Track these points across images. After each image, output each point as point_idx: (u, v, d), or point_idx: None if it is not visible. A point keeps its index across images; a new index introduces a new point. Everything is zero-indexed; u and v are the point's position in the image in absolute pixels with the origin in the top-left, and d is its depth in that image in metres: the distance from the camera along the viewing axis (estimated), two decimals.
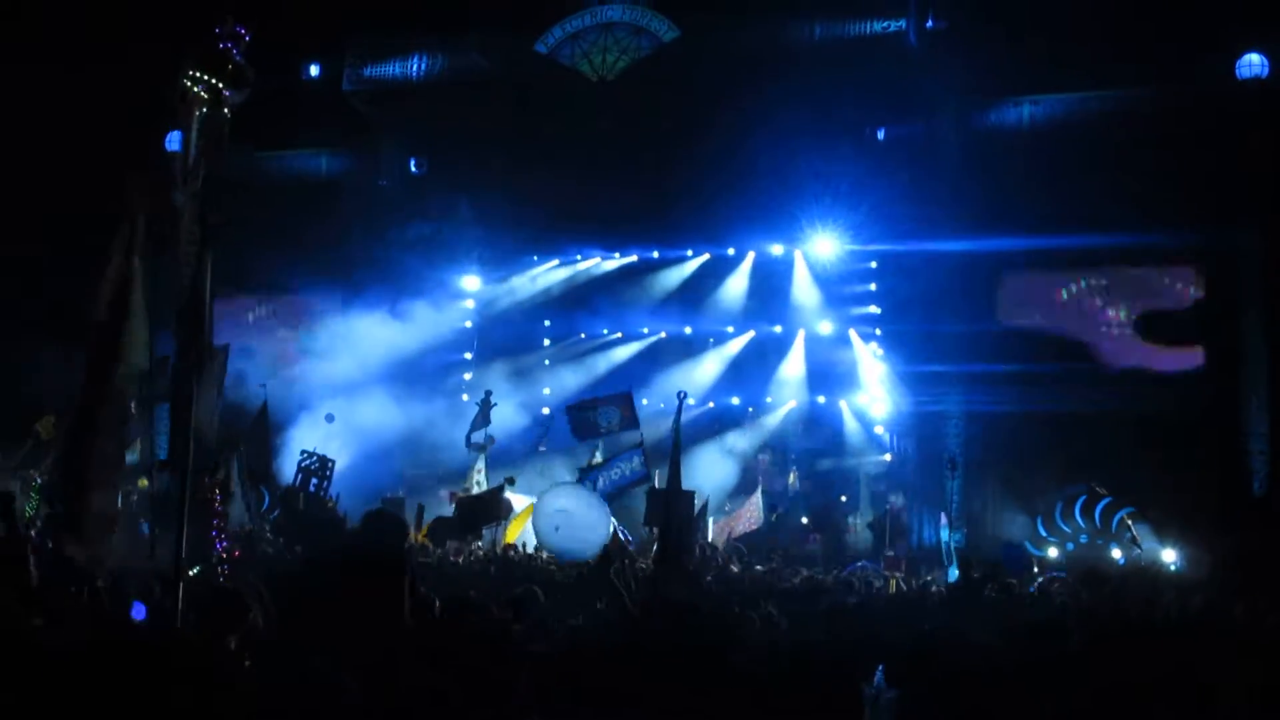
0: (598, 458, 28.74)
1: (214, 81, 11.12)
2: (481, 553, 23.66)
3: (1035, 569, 23.70)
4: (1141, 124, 26.66)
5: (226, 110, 11.51)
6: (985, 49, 27.14)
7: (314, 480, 25.42)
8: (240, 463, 21.23)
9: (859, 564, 24.09)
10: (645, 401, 31.14)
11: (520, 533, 26.34)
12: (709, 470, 29.39)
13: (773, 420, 31.62)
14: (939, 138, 28.96)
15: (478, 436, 29.01)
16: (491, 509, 26.29)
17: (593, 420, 28.46)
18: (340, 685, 5.78)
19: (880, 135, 28.94)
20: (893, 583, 19.70)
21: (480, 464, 29.00)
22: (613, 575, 11.61)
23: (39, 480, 25.41)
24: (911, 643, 7.37)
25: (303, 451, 25.17)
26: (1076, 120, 27.96)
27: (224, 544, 14.95)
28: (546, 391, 32.83)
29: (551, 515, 23.32)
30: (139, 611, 10.40)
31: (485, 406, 29.24)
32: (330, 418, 28.86)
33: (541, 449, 30.84)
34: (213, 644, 7.00)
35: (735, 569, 21.91)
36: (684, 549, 19.74)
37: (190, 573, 11.33)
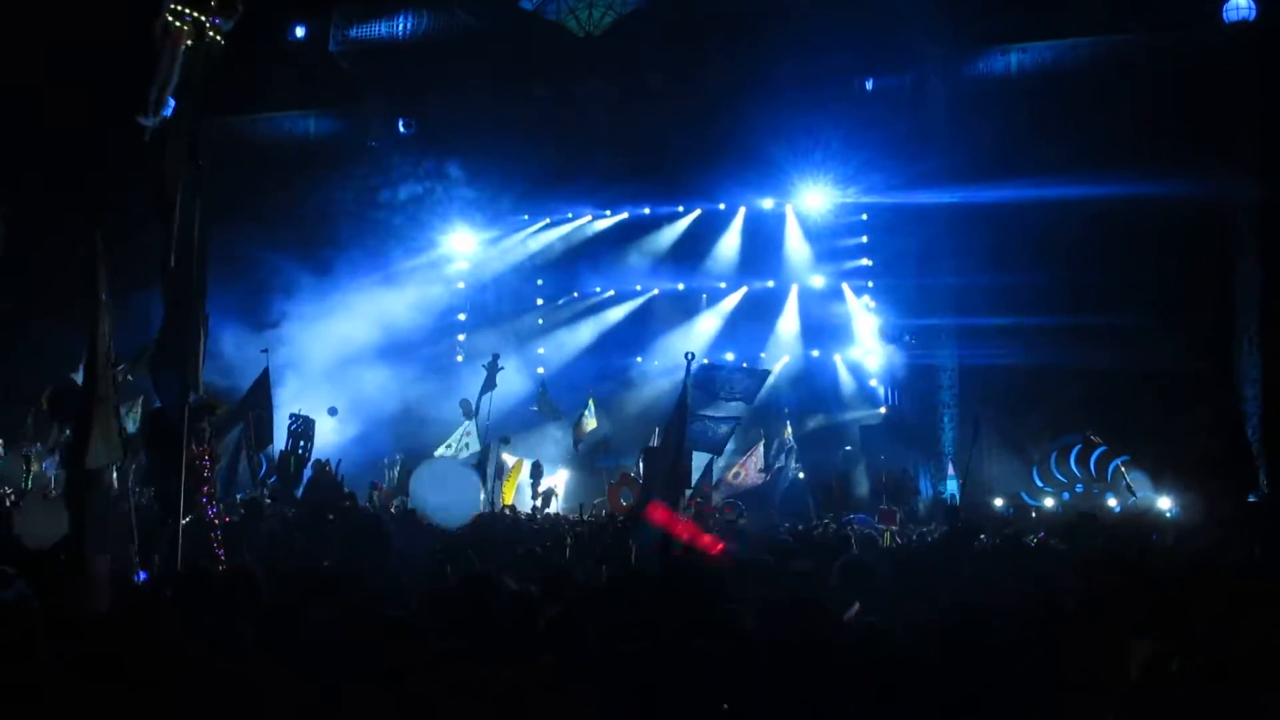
0: (590, 420, 28.85)
1: (199, 13, 11.04)
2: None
3: (1035, 516, 23.75)
4: (1129, 70, 26.58)
5: (219, 38, 11.43)
6: None
7: (302, 443, 25.39)
8: (246, 429, 21.24)
9: (858, 515, 24.13)
10: (640, 359, 31.16)
11: (514, 493, 26.47)
12: None
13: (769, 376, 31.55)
14: (928, 88, 28.84)
15: (484, 401, 28.98)
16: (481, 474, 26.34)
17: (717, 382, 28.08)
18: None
19: (869, 86, 28.80)
20: (887, 535, 19.64)
21: (470, 426, 29.00)
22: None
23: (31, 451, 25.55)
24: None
25: (291, 415, 25.08)
26: (1064, 67, 27.86)
27: (214, 509, 14.88)
28: (541, 351, 32.77)
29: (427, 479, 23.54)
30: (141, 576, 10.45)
31: (492, 370, 29.16)
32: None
33: (534, 409, 30.74)
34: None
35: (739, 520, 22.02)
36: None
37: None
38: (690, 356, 23.87)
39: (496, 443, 26.75)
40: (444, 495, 23.15)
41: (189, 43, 12.00)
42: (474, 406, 28.71)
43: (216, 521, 13.98)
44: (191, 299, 11.49)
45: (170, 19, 11.83)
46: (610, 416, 30.48)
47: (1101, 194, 26.13)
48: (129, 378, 22.88)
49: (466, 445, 28.47)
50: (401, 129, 32.63)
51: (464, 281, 33.12)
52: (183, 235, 11.28)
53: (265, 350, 23.92)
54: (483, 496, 25.63)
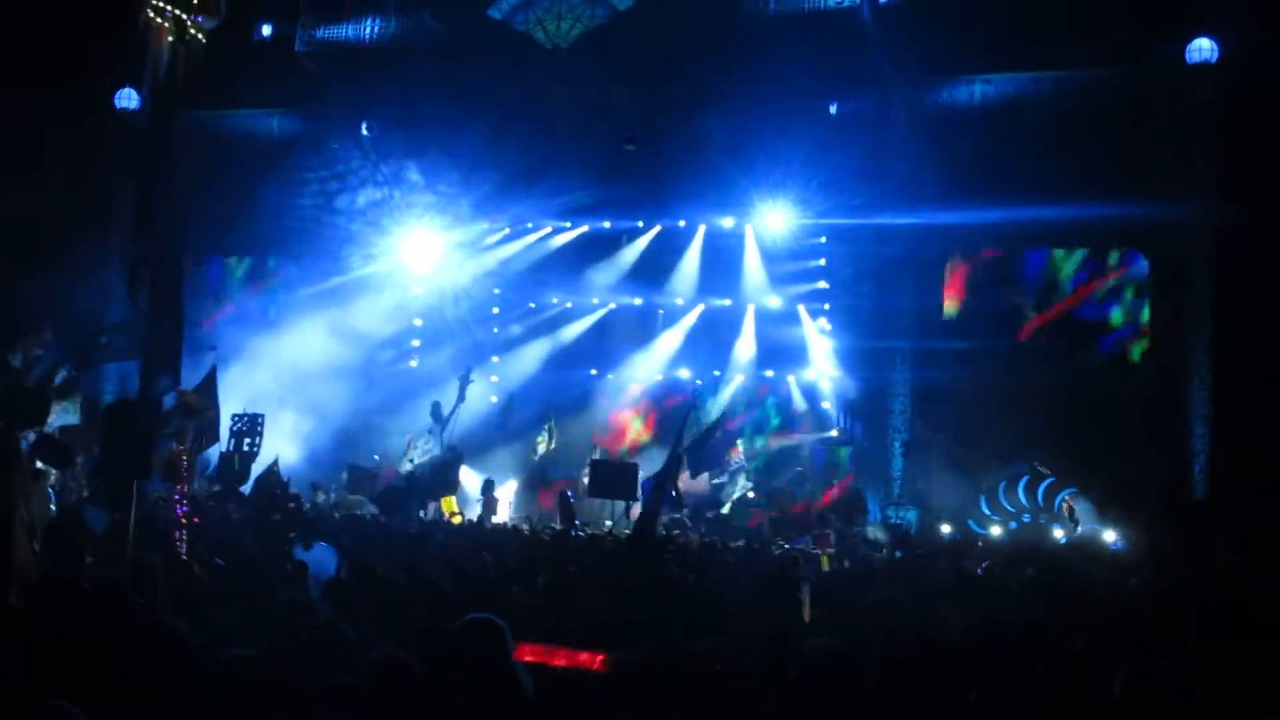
0: (544, 443, 29.03)
1: (181, 10, 11.02)
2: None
3: (980, 545, 23.82)
4: (1092, 105, 26.86)
5: (199, 35, 11.42)
6: (938, 27, 27.13)
7: (246, 440, 25.20)
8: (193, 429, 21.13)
9: (798, 539, 24.20)
10: (595, 372, 31.17)
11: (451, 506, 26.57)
12: None
13: (724, 395, 31.55)
14: (891, 114, 28.94)
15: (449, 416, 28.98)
16: (442, 482, 26.40)
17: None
18: None
19: (833, 110, 28.85)
20: (824, 559, 19.62)
21: (423, 439, 29.03)
22: None
23: None
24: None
25: (233, 415, 24.91)
26: (1028, 100, 28.06)
27: (184, 509, 14.78)
28: (495, 360, 32.67)
29: None
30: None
31: (464, 383, 29.12)
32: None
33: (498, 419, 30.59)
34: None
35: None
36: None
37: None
38: (694, 386, 24.56)
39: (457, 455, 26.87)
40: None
41: (169, 38, 11.99)
42: (444, 415, 28.71)
43: (184, 521, 13.88)
44: (170, 287, 11.44)
45: (151, 15, 11.82)
46: (564, 430, 30.48)
47: (1058, 219, 26.35)
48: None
49: (426, 453, 28.51)
50: (364, 131, 32.51)
51: (420, 287, 32.93)
52: (159, 221, 11.25)
53: (214, 348, 23.80)
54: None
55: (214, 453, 23.76)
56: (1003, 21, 26.65)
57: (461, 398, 28.79)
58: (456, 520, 25.35)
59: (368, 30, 31.14)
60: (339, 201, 31.98)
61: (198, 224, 30.63)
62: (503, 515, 28.13)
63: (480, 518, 26.69)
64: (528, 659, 7.57)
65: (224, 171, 31.32)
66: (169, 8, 11.46)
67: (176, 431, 16.81)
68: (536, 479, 30.63)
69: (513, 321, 33.31)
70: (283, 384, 28.97)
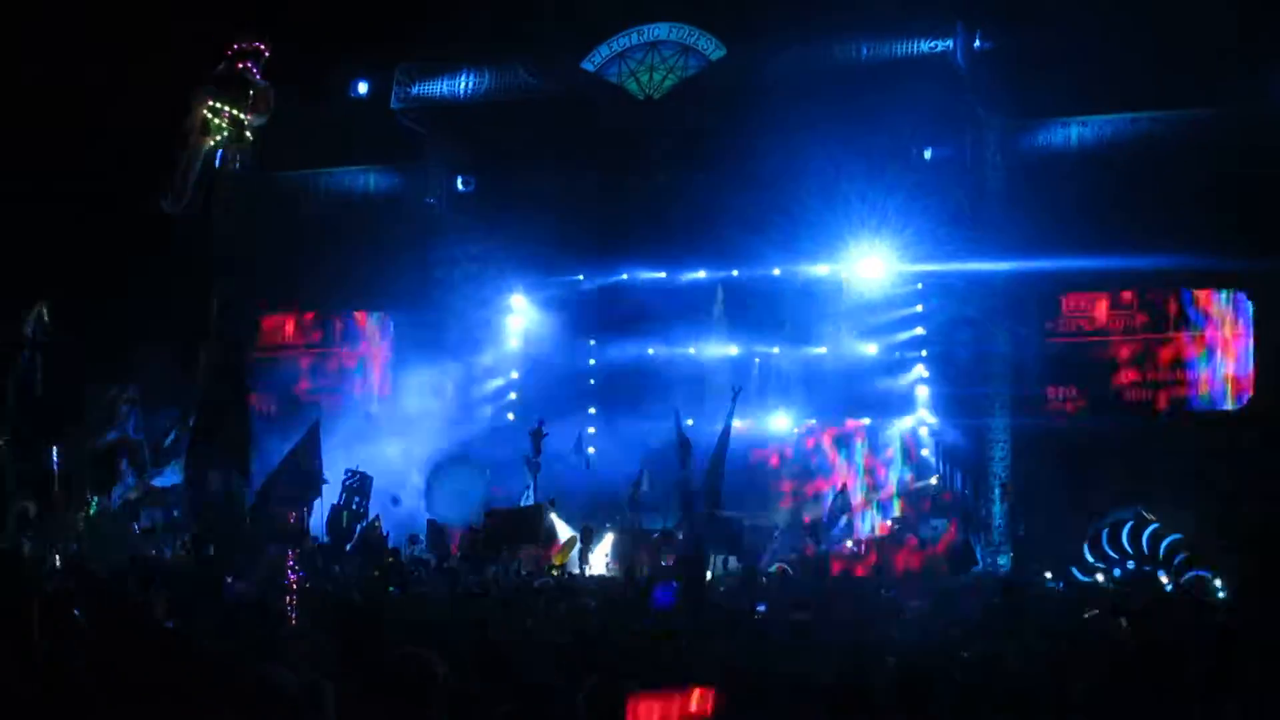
0: (644, 485, 28.93)
1: (234, 110, 11.23)
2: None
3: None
4: (1191, 145, 26.47)
5: (249, 135, 11.63)
6: (1032, 70, 26.98)
7: (357, 499, 25.54)
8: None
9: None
10: (691, 422, 31.09)
11: (565, 562, 26.58)
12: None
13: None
14: (986, 159, 28.79)
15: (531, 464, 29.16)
16: (525, 528, 26.43)
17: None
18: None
19: (927, 156, 28.76)
20: None
21: (529, 482, 29.22)
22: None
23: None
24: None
25: (346, 470, 25.25)
26: (1125, 141, 27.77)
27: (300, 574, 15.15)
28: (592, 411, 32.71)
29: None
30: None
31: (538, 436, 29.27)
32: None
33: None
34: None
35: None
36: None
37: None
38: (737, 389, 24.58)
39: (546, 504, 26.93)
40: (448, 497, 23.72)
41: (222, 136, 12.24)
42: (532, 468, 28.90)
43: (295, 585, 14.19)
44: (236, 391, 11.70)
45: (207, 114, 12.05)
46: (657, 479, 30.39)
47: (1160, 267, 26.06)
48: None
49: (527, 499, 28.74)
50: (460, 186, 32.81)
51: (517, 340, 33.18)
52: (224, 322, 11.51)
53: (316, 402, 24.14)
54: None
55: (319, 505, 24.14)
56: (1098, 62, 26.43)
57: (537, 449, 28.94)
58: (554, 570, 25.35)
59: (462, 86, 31.37)
60: (435, 257, 32.30)
61: (293, 281, 31.24)
62: (599, 566, 28.12)
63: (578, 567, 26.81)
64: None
65: (320, 230, 31.86)
66: (223, 107, 11.69)
67: (285, 496, 17.15)
68: (631, 529, 30.61)
69: (608, 373, 33.28)
70: (381, 436, 29.33)
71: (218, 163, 11.47)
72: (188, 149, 11.54)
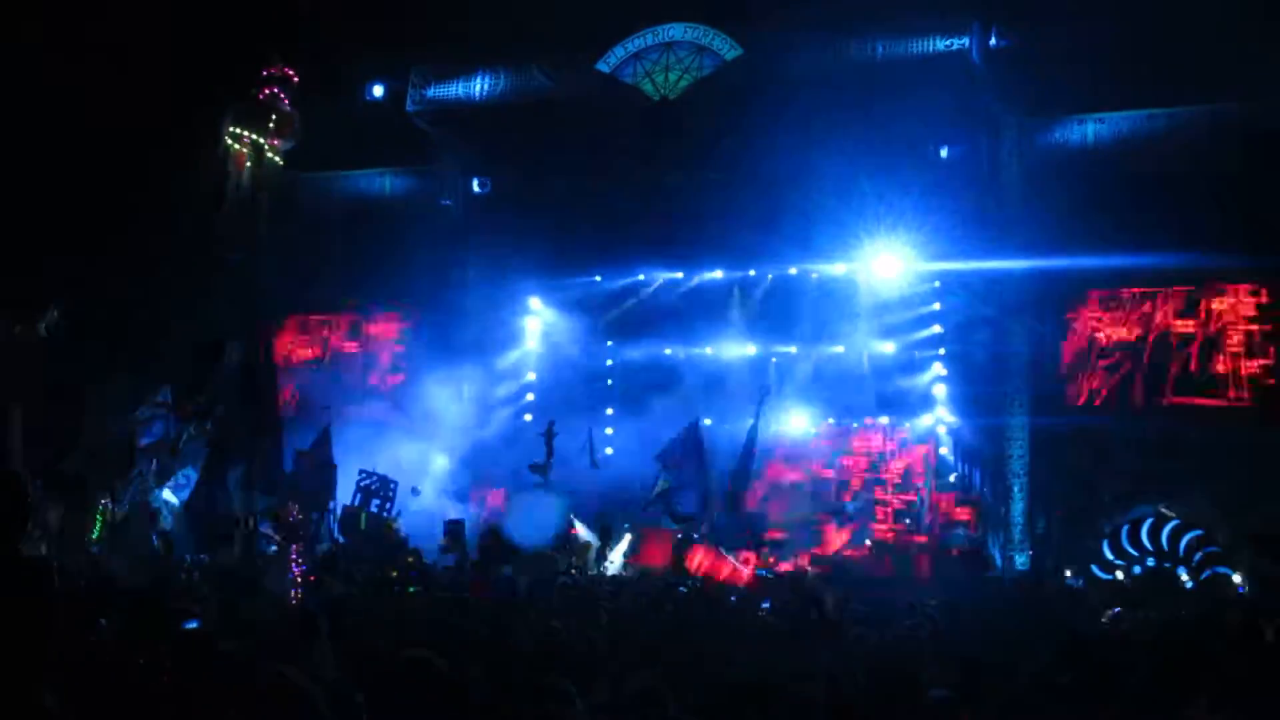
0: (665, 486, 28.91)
1: (260, 137, 11.25)
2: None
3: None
4: (1210, 142, 26.37)
5: (276, 158, 11.65)
6: (1049, 67, 26.89)
7: (375, 500, 25.48)
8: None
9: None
10: (709, 421, 31.03)
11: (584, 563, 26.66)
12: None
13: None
14: (1002, 156, 28.73)
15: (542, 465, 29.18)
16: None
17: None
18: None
19: (943, 154, 28.73)
20: None
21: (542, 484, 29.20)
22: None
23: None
24: None
25: (361, 471, 25.21)
26: (1142, 138, 27.68)
27: (302, 568, 15.29)
28: (610, 412, 32.72)
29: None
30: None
31: (549, 437, 29.27)
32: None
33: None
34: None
35: None
36: None
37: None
38: (765, 390, 24.63)
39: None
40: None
41: (248, 164, 12.27)
42: (543, 470, 28.88)
43: (300, 580, 14.27)
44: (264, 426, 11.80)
45: (230, 142, 12.06)
46: (677, 478, 30.35)
47: (1178, 265, 25.99)
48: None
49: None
50: (476, 188, 32.86)
51: (534, 341, 33.24)
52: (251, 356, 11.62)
53: (327, 407, 24.10)
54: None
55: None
56: (1114, 59, 26.27)
57: (551, 451, 28.94)
58: (574, 570, 25.36)
59: (478, 88, 31.41)
60: (451, 258, 32.34)
61: (310, 283, 31.27)
62: (617, 565, 28.13)
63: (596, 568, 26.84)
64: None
65: (336, 232, 31.92)
66: (247, 134, 11.71)
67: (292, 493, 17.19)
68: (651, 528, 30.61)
69: (626, 373, 33.26)
70: (400, 437, 29.35)
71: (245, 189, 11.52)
72: (225, 189, 11.60)
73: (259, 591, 13.84)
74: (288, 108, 13.38)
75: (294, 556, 15.48)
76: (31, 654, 5.75)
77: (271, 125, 11.12)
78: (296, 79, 12.81)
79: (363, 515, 25.93)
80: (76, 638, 6.76)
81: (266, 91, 13.64)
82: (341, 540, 25.25)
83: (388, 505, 26.54)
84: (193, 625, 8.12)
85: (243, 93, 16.03)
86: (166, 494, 24.86)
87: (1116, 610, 17.31)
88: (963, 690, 7.65)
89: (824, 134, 27.28)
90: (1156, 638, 9.59)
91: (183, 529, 23.07)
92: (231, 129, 11.28)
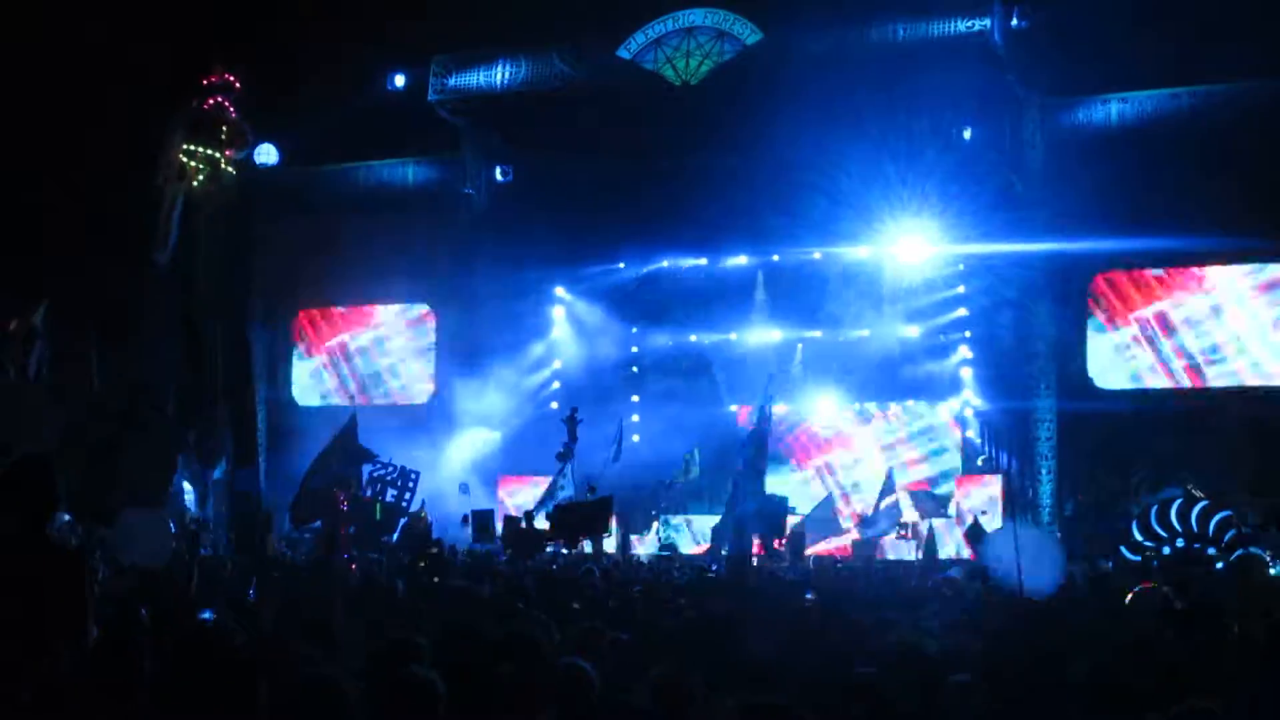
0: (681, 475, 28.93)
1: (209, 149, 11.19)
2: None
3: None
4: (1234, 120, 26.24)
5: (232, 169, 11.58)
6: (1071, 47, 26.80)
7: (391, 491, 25.37)
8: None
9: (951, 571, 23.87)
10: (735, 408, 30.99)
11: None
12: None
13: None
14: (1025, 138, 28.61)
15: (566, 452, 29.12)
16: (593, 521, 26.35)
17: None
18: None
19: (967, 136, 28.65)
20: None
21: (567, 470, 29.12)
22: None
23: None
24: None
25: (376, 461, 25.11)
26: (1166, 117, 27.53)
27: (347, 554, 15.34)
28: (635, 399, 32.73)
29: None
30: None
31: (572, 423, 29.21)
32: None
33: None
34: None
35: None
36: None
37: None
38: (771, 376, 24.34)
39: (585, 491, 26.88)
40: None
41: (201, 178, 12.23)
42: (566, 458, 28.79)
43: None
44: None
45: (183, 158, 12.01)
46: (703, 464, 30.34)
47: (1203, 245, 25.86)
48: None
49: (562, 488, 28.59)
50: (499, 177, 32.91)
51: (559, 330, 33.27)
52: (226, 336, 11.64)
53: (352, 397, 23.99)
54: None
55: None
56: (1136, 38, 26.13)
57: (573, 437, 28.85)
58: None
59: (499, 77, 31.40)
60: (475, 247, 32.34)
61: (332, 275, 31.30)
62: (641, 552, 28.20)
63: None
64: None
65: (359, 223, 31.95)
66: (200, 149, 11.68)
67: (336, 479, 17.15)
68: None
69: (651, 360, 33.26)
70: (428, 429, 29.38)
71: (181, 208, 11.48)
72: (165, 197, 11.53)
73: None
74: (234, 116, 13.36)
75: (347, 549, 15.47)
76: (59, 637, 5.78)
77: (220, 136, 11.08)
78: (239, 86, 12.74)
79: (377, 506, 25.82)
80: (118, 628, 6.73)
81: (211, 101, 13.61)
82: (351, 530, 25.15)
83: (406, 496, 26.42)
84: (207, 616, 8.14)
85: (186, 103, 16.00)
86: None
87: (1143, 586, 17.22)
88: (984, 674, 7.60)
89: (846, 117, 27.22)
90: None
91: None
92: (182, 144, 11.24)
